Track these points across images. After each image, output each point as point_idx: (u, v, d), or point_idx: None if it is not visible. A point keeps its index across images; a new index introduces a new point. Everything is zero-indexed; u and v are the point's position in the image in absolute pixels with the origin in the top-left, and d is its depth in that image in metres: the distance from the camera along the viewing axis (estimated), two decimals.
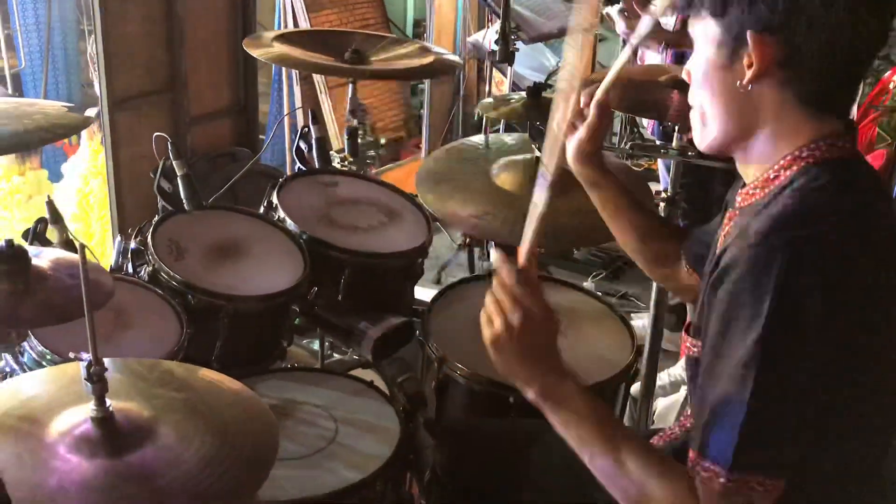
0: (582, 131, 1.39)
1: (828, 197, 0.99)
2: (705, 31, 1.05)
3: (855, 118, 2.91)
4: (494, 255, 1.10)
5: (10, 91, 4.21)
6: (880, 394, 1.02)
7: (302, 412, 1.57)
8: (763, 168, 1.06)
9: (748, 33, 0.99)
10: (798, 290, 0.92)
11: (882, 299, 0.98)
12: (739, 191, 1.11)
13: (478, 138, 2.33)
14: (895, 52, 3.30)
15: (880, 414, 1.03)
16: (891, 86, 3.21)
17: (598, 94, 1.36)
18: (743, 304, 0.94)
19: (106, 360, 1.14)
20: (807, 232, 0.95)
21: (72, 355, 1.13)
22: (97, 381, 1.08)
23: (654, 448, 1.13)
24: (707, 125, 1.08)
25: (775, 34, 0.98)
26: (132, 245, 1.73)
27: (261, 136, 3.75)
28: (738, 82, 1.02)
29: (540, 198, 1.12)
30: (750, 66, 1.01)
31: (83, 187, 3.45)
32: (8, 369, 1.48)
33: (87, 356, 1.09)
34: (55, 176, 3.70)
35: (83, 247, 1.06)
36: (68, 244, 1.54)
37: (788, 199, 0.99)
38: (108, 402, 1.08)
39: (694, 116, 1.11)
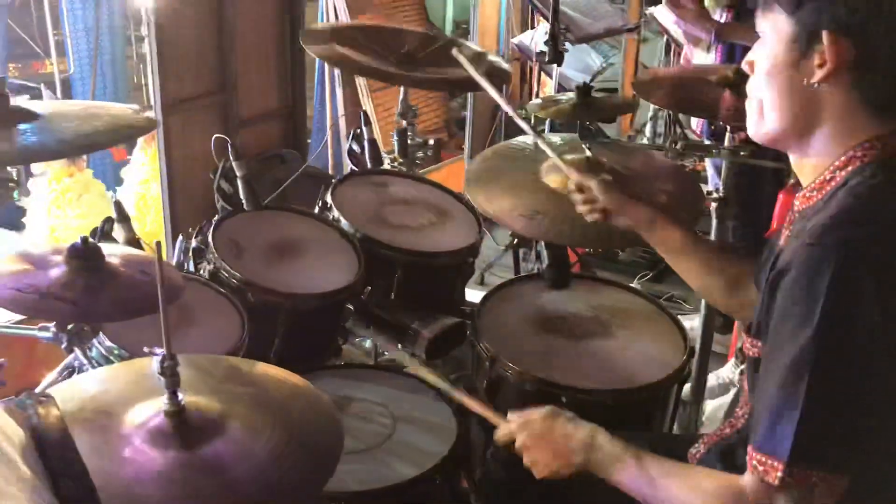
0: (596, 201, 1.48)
1: (881, 195, 0.99)
2: (776, 26, 1.05)
3: None
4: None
5: (58, 95, 4.32)
6: None
7: (359, 408, 1.59)
8: (819, 167, 1.06)
9: (824, 32, 0.99)
10: (851, 289, 0.92)
11: None
12: (797, 195, 1.11)
13: (526, 138, 2.34)
14: None
15: None
16: None
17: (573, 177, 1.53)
18: (797, 302, 0.95)
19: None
20: (861, 231, 0.95)
21: (146, 350, 1.16)
22: (171, 375, 1.11)
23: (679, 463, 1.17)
24: (765, 117, 1.09)
25: (851, 35, 0.98)
26: (193, 244, 1.77)
27: (307, 140, 3.80)
28: (806, 80, 1.02)
29: None
30: (821, 65, 1.01)
31: (141, 190, 3.55)
32: (77, 363, 1.53)
33: (160, 351, 1.13)
34: (100, 176, 3.80)
35: (158, 245, 1.09)
36: (133, 243, 1.58)
37: (843, 199, 0.99)
38: (181, 396, 1.10)
39: (751, 106, 1.11)
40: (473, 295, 2.04)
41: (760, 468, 0.98)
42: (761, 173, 2.55)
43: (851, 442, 0.96)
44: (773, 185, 2.76)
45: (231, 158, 1.82)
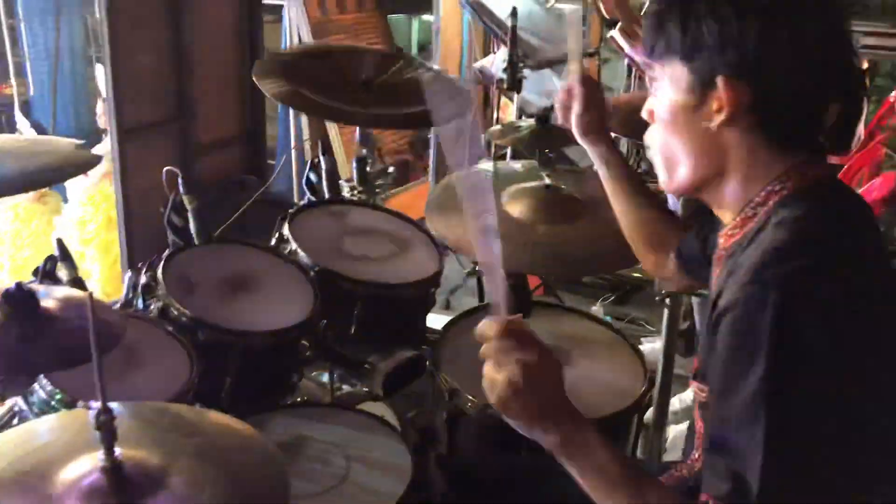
0: (576, 106, 1.46)
1: (809, 224, 0.99)
2: (673, 74, 1.04)
3: (861, 139, 2.89)
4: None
5: (21, 118, 4.24)
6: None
7: (313, 449, 1.55)
8: (737, 205, 1.06)
9: (718, 78, 0.99)
10: (796, 323, 0.91)
11: (881, 316, 0.98)
12: (720, 233, 1.11)
13: (486, 165, 2.33)
14: None
15: None
16: None
17: (573, 68, 1.48)
18: (743, 344, 0.93)
19: (116, 405, 1.13)
20: (796, 263, 0.94)
21: (80, 405, 1.12)
22: (106, 429, 1.06)
23: (677, 493, 1.11)
24: (676, 169, 1.08)
25: (746, 78, 0.98)
26: (142, 279, 1.73)
27: (270, 161, 3.75)
28: (707, 126, 1.02)
29: None
30: (719, 109, 1.01)
31: (85, 216, 3.47)
32: (17, 409, 1.47)
33: (96, 404, 1.08)
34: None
35: (91, 295, 1.05)
36: (78, 283, 1.54)
37: (773, 234, 0.99)
38: (118, 450, 1.06)
39: (657, 160, 1.11)
40: (439, 320, 2.02)
41: None
42: None
43: (818, 478, 0.94)
44: None
45: (181, 191, 1.78)
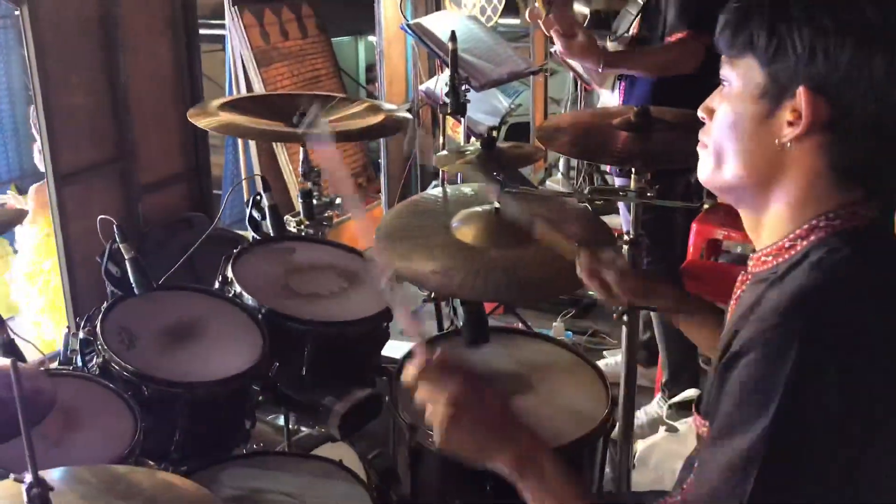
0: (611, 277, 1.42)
1: (847, 271, 0.93)
2: (746, 75, 0.98)
3: None
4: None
5: None
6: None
7: (268, 502, 1.49)
8: (776, 230, 1.00)
9: (800, 88, 0.93)
10: (814, 379, 0.87)
11: None
12: (751, 255, 1.05)
13: (436, 191, 2.30)
14: None
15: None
16: None
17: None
18: (755, 389, 0.89)
19: (50, 473, 1.07)
20: (826, 317, 0.89)
21: (12, 477, 1.06)
22: (39, 502, 1.01)
23: None
24: (723, 167, 1.02)
25: (828, 94, 0.92)
26: (81, 335, 1.66)
27: (216, 191, 3.67)
28: (776, 139, 0.96)
29: None
30: (791, 122, 0.94)
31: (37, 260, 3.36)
32: None
33: (28, 477, 1.03)
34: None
35: (15, 363, 0.99)
36: (9, 346, 1.46)
37: (808, 275, 0.93)
38: None
39: (705, 154, 1.04)
40: (396, 348, 1.97)
41: None
42: (671, 207, 2.55)
43: None
44: (684, 216, 2.78)
45: (117, 240, 1.71)
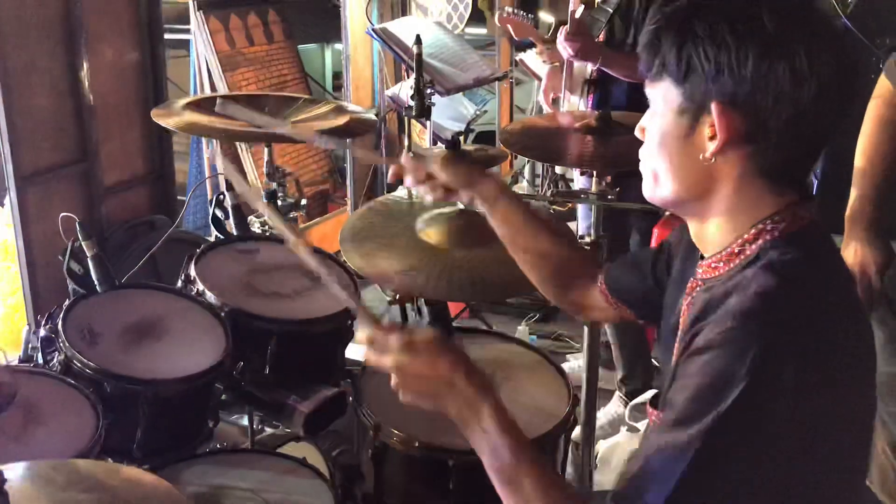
0: (410, 180, 1.39)
1: (800, 273, 0.96)
2: (665, 96, 1.01)
3: None
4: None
5: None
6: (836, 472, 0.98)
7: (230, 498, 1.50)
8: (723, 237, 1.03)
9: (712, 104, 0.96)
10: (770, 380, 0.89)
11: (853, 373, 0.97)
12: (700, 262, 1.08)
13: (401, 192, 2.31)
14: None
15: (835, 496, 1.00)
16: None
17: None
18: (712, 385, 0.91)
19: (9, 468, 1.07)
20: (783, 317, 0.92)
21: None
22: None
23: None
24: (660, 183, 1.05)
25: (740, 107, 0.95)
26: (42, 333, 1.64)
27: (181, 197, 3.66)
28: (700, 154, 0.99)
29: None
30: (711, 137, 0.98)
31: None
32: None
33: None
34: None
35: None
36: None
37: (761, 276, 0.95)
38: None
39: (645, 172, 1.08)
40: (360, 352, 1.97)
41: None
42: (631, 210, 2.60)
43: None
44: (645, 220, 2.83)
45: (80, 237, 1.70)
